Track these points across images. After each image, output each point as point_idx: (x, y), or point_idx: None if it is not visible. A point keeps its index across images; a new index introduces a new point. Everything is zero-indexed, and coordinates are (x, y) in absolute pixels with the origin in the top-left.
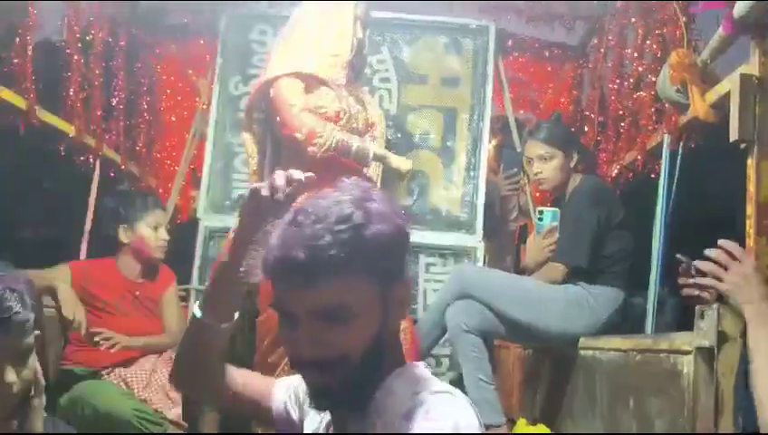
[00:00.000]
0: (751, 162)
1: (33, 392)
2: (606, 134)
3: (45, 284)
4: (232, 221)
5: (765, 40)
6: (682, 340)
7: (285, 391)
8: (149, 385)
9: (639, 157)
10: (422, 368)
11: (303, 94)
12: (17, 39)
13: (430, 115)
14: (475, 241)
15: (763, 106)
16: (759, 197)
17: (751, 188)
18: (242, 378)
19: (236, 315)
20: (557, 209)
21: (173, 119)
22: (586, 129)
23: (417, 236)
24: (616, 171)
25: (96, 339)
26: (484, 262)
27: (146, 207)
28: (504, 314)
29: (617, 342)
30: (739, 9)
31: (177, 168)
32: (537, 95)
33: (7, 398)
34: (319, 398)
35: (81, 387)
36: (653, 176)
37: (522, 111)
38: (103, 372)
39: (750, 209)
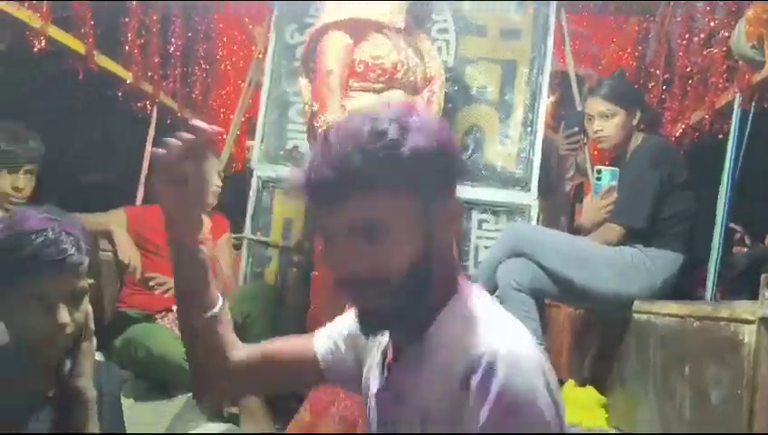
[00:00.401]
0: None
1: (83, 336)
2: (671, 92)
3: (102, 228)
4: (285, 172)
5: None
6: (744, 308)
7: (329, 337)
8: None
9: (707, 116)
10: (478, 296)
11: (349, 52)
12: None
13: (488, 68)
14: (529, 198)
15: None
16: None
17: None
18: (269, 347)
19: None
20: (616, 168)
21: (229, 67)
22: (650, 86)
23: (471, 192)
24: (680, 131)
25: (151, 284)
26: (538, 220)
27: None
28: (557, 273)
29: (673, 307)
30: None
31: (232, 116)
32: (599, 50)
33: (60, 339)
34: (364, 321)
35: (135, 330)
36: (720, 136)
37: (583, 67)
38: (157, 316)
39: None
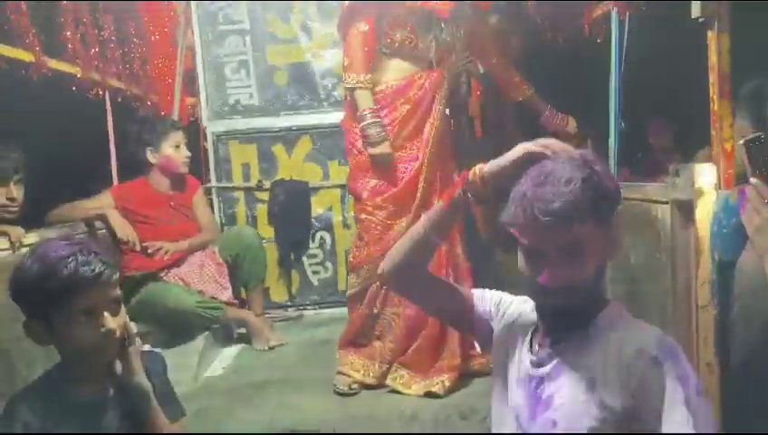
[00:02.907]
0: (712, 35)
1: (128, 340)
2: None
3: (95, 213)
4: (233, 125)
5: None
6: (656, 192)
7: (488, 304)
8: (202, 278)
9: (586, 25)
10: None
11: (372, 27)
12: None
13: None
14: None
15: None
16: (720, 66)
17: (713, 58)
18: (444, 288)
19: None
20: None
21: (158, 37)
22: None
23: None
24: (562, 39)
25: (150, 252)
26: None
27: (165, 129)
28: None
29: None
30: None
31: (170, 80)
32: None
33: (111, 344)
34: (554, 314)
35: (147, 290)
36: (598, 40)
37: None
38: (161, 275)
39: (713, 77)
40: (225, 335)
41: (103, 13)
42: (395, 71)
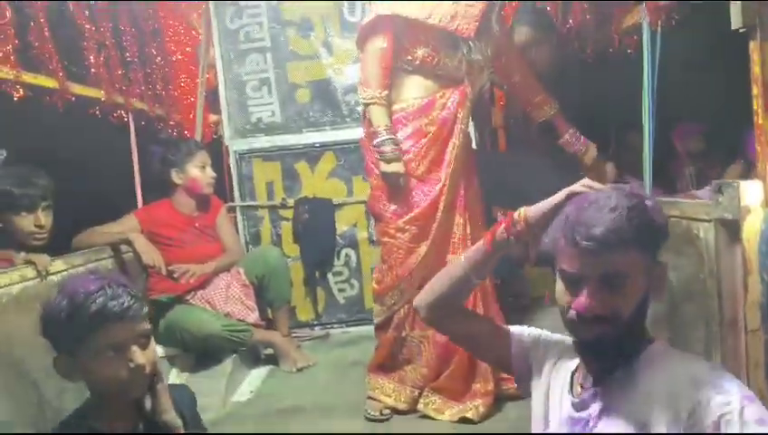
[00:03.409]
0: (754, 45)
1: (156, 377)
2: (572, 13)
3: (120, 238)
4: (256, 143)
5: None
6: (697, 209)
7: (526, 342)
8: (228, 300)
9: (616, 35)
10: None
11: (390, 44)
12: (32, 23)
13: None
14: None
15: None
16: (764, 77)
17: (756, 69)
18: (480, 325)
19: None
20: None
21: (180, 56)
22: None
23: None
24: (590, 48)
25: (175, 276)
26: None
27: (191, 150)
28: None
29: None
30: None
31: (192, 99)
32: None
33: (140, 379)
34: (592, 348)
35: (174, 313)
36: (630, 51)
37: None
38: (187, 297)
39: (756, 90)
40: (253, 357)
41: (126, 35)
42: (416, 88)
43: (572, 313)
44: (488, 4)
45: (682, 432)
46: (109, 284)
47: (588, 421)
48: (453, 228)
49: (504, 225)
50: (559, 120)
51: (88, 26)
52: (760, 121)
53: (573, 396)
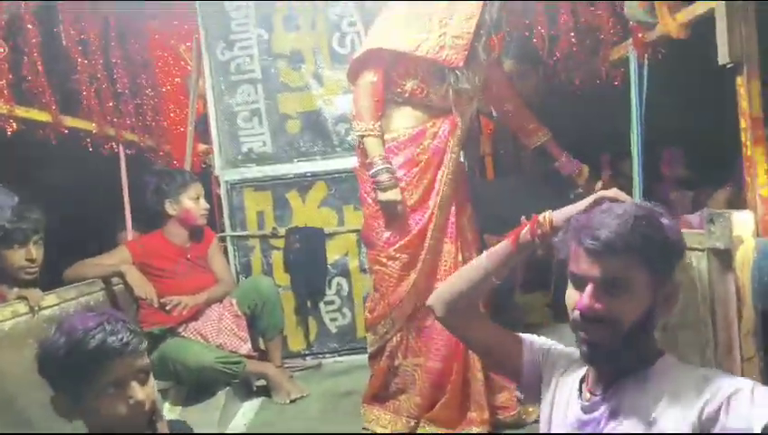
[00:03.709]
0: (741, 81)
1: (155, 415)
2: (559, 45)
3: (112, 270)
4: (247, 173)
5: None
6: (690, 239)
7: (537, 351)
8: (221, 331)
9: (603, 68)
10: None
11: (380, 78)
12: (25, 58)
13: None
14: None
15: (748, 28)
16: (752, 111)
17: (744, 103)
18: (494, 329)
19: None
20: None
21: (169, 87)
22: (535, 41)
23: None
24: (579, 80)
25: (168, 308)
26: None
27: (185, 181)
28: None
29: None
30: None
31: (181, 129)
32: None
33: (141, 415)
34: (591, 352)
35: (166, 346)
36: (616, 83)
37: None
38: (179, 329)
39: (744, 123)
40: (245, 389)
41: (117, 67)
42: (407, 118)
43: (576, 313)
44: (475, 34)
45: (692, 431)
46: (107, 319)
47: (599, 422)
48: (443, 256)
49: (528, 226)
50: (552, 145)
51: (80, 59)
52: (749, 153)
53: (582, 401)
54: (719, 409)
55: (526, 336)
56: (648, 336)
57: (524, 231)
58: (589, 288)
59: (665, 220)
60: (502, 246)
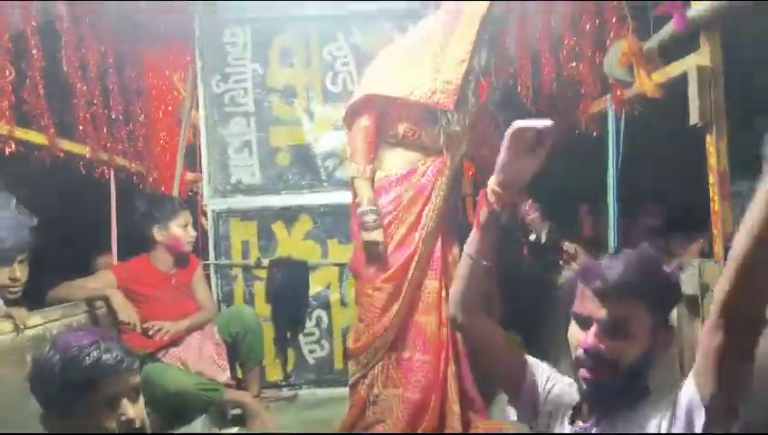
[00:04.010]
0: (710, 139)
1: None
2: (541, 95)
3: (97, 293)
4: (234, 203)
5: (713, 34)
6: None
7: (539, 374)
8: (200, 358)
9: (583, 119)
10: None
11: (374, 121)
12: (27, 81)
13: None
14: None
15: (716, 92)
16: (719, 168)
17: (712, 161)
18: (504, 340)
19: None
20: None
21: (161, 115)
22: (519, 89)
23: None
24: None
25: (150, 333)
26: None
27: (175, 208)
28: None
29: None
30: (697, 10)
31: (170, 156)
32: None
33: (131, 432)
34: (591, 390)
35: (145, 371)
36: (594, 134)
37: None
38: (159, 355)
39: (712, 178)
40: (221, 417)
41: (113, 93)
42: (399, 159)
43: (580, 351)
44: (464, 79)
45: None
46: (102, 337)
47: None
48: (426, 290)
49: (482, 203)
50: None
51: (79, 85)
52: (716, 208)
53: (573, 427)
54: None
55: (532, 359)
56: (644, 376)
57: (483, 210)
58: (594, 328)
59: (666, 266)
60: (473, 233)
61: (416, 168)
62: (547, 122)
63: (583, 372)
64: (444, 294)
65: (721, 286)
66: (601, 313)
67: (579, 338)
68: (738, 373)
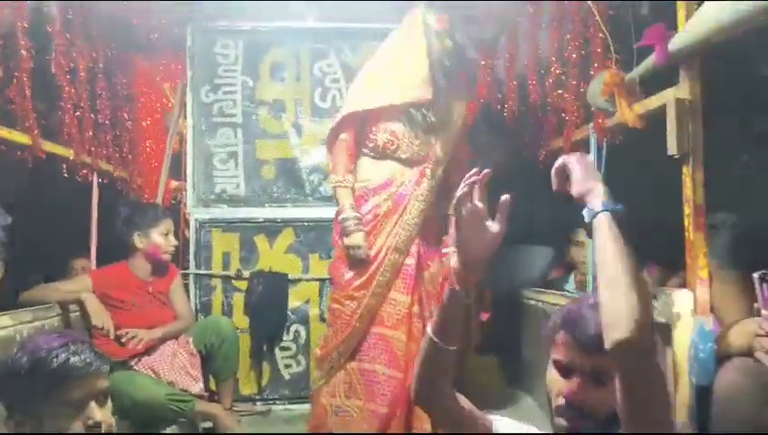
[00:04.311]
0: (687, 171)
1: None
2: (528, 123)
3: (72, 296)
4: (217, 213)
5: (692, 67)
6: None
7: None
8: (173, 368)
9: (565, 146)
10: None
11: (353, 136)
12: (14, 80)
13: None
14: None
15: (694, 125)
16: (695, 199)
17: (688, 192)
18: (468, 406)
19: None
20: None
21: (148, 122)
22: (505, 115)
23: None
24: (543, 155)
25: (123, 340)
26: None
27: (157, 216)
28: None
29: (558, 298)
30: (676, 43)
31: (156, 164)
32: None
33: None
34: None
35: (115, 378)
36: None
37: None
38: (131, 363)
39: (688, 209)
40: (191, 429)
41: (101, 98)
42: (378, 170)
43: (561, 400)
44: (431, 66)
45: None
46: (72, 340)
47: None
48: (395, 304)
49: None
50: None
51: (67, 88)
52: (691, 238)
53: None
54: None
55: (497, 421)
56: (615, 422)
57: (446, 291)
58: (577, 378)
59: None
60: (437, 313)
61: (394, 178)
62: (504, 197)
63: (561, 420)
64: (416, 309)
65: None
66: (586, 364)
67: (559, 387)
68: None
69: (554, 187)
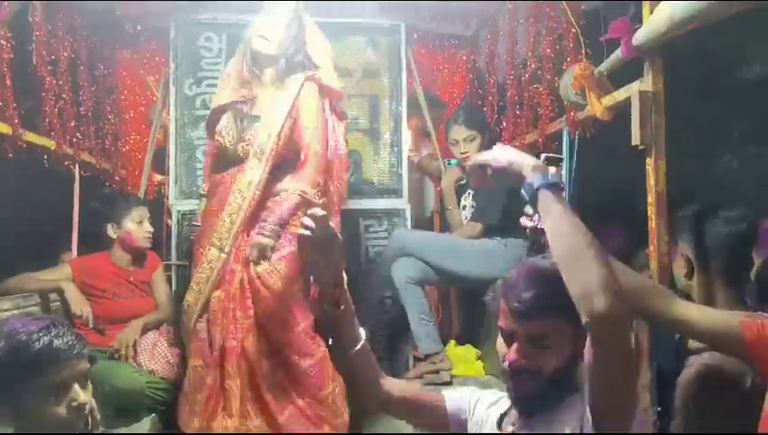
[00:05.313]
0: (650, 161)
1: (91, 425)
2: (506, 116)
3: (52, 285)
4: (199, 205)
5: (656, 61)
6: None
7: (458, 400)
8: (153, 357)
9: (540, 139)
10: None
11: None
12: None
13: (358, 102)
14: (402, 203)
15: (657, 117)
16: (657, 187)
17: (651, 181)
18: (411, 390)
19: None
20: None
21: (132, 114)
22: (485, 109)
23: (357, 203)
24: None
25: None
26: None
27: (128, 205)
28: (438, 265)
29: None
30: (639, 38)
31: (139, 156)
32: (436, 75)
33: (82, 418)
34: (519, 399)
35: (97, 367)
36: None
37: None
38: (112, 351)
39: (651, 198)
40: (171, 417)
41: (84, 89)
42: (214, 169)
43: (505, 364)
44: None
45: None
46: (52, 323)
47: None
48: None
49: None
50: None
51: (48, 78)
52: (653, 226)
53: (502, 429)
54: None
55: (448, 393)
56: (571, 379)
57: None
58: (515, 344)
59: None
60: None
61: (223, 177)
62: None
63: (511, 383)
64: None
65: None
66: (521, 330)
67: (503, 352)
68: (601, 382)
69: (473, 184)
